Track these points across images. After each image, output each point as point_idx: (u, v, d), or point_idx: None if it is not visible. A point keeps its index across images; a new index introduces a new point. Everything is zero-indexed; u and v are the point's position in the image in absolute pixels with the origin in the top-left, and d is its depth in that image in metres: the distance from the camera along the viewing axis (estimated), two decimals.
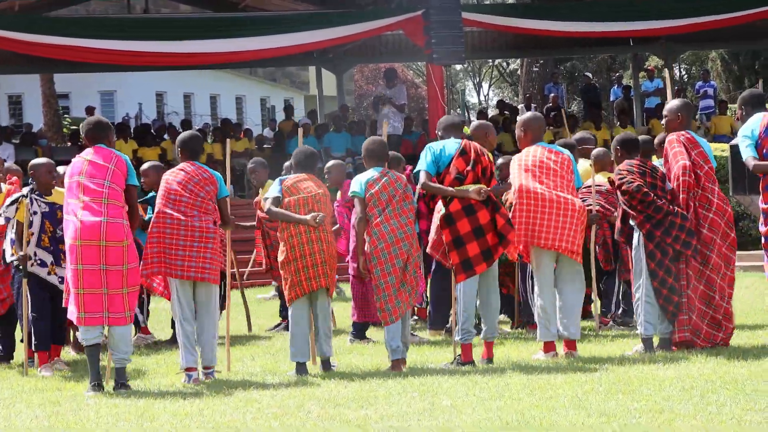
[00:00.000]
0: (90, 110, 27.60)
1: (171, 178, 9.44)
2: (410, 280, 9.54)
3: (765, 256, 10.05)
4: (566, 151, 10.09)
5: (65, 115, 35.23)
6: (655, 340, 9.88)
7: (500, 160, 12.42)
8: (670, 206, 9.71)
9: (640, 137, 10.71)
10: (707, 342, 9.70)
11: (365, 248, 9.52)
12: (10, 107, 39.31)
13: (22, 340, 10.69)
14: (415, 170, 9.86)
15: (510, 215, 9.73)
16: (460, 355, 9.59)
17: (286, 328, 12.84)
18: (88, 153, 9.13)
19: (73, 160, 9.23)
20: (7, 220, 9.94)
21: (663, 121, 10.29)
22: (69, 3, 24.11)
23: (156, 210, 9.37)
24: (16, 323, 10.93)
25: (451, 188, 9.51)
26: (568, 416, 7.18)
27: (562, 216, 9.70)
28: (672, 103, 10.31)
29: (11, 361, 10.91)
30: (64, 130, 31.33)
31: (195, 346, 9.32)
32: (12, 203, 9.88)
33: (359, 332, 11.68)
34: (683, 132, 9.98)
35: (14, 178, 10.82)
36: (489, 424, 6.99)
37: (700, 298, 9.75)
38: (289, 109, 28.06)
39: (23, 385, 9.58)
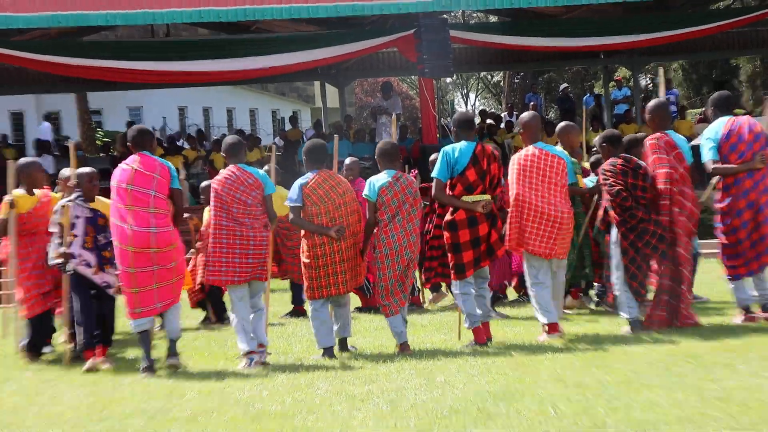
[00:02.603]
0: (130, 124, 27.62)
1: (220, 187, 9.21)
2: (410, 281, 9.50)
3: (720, 248, 10.05)
4: (562, 153, 9.88)
5: (98, 129, 35.25)
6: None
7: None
8: (646, 213, 9.59)
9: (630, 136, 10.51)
10: (682, 323, 9.64)
11: (373, 251, 9.43)
12: (50, 123, 39.30)
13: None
14: (432, 174, 9.60)
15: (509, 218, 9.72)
16: (473, 339, 9.52)
17: (298, 315, 12.91)
18: (134, 161, 9.05)
19: (120, 166, 9.15)
20: (57, 226, 9.66)
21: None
22: (99, 29, 24.06)
23: (213, 221, 9.21)
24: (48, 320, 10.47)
25: (460, 201, 9.34)
26: (548, 388, 7.23)
27: (550, 227, 9.60)
28: (648, 105, 10.16)
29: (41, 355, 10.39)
30: (97, 142, 31.35)
31: (251, 333, 9.17)
32: (58, 209, 9.67)
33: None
34: (661, 134, 9.78)
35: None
36: (478, 397, 7.04)
37: (671, 292, 9.69)
38: (293, 119, 28.00)
39: (67, 368, 9.61)
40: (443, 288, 13.34)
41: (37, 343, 10.28)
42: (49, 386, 8.66)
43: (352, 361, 9.03)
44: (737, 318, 9.97)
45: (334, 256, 9.27)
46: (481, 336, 9.47)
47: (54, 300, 10.29)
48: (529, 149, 9.81)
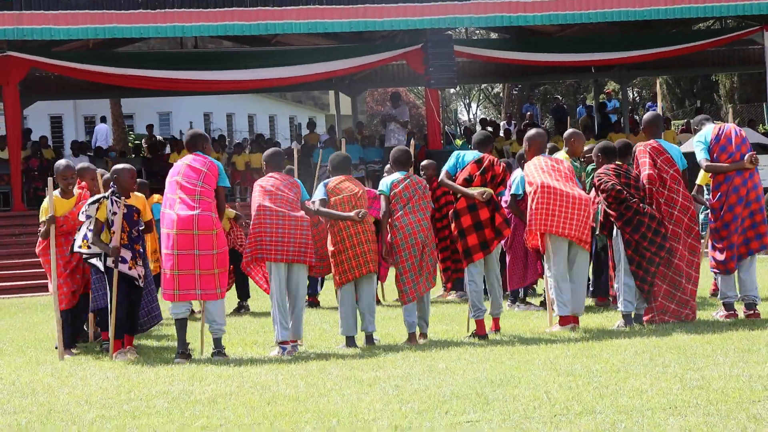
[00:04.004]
0: (149, 128, 27.62)
1: (264, 183, 9.13)
2: (427, 267, 9.32)
3: (709, 244, 9.98)
4: (567, 162, 9.86)
5: (130, 132, 35.25)
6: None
7: (424, 162, 12.71)
8: (640, 205, 9.49)
9: (619, 141, 10.30)
10: (674, 317, 9.53)
11: (387, 238, 9.35)
12: (86, 126, 39.32)
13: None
14: (443, 168, 9.69)
15: (529, 210, 9.53)
16: (475, 330, 9.39)
17: (310, 305, 12.81)
18: (188, 158, 8.99)
19: (175, 163, 9.09)
20: (88, 218, 9.34)
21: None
22: (133, 41, 24.08)
23: (257, 205, 9.00)
24: (82, 313, 10.11)
25: (460, 187, 9.42)
26: (542, 375, 7.19)
27: (574, 209, 9.43)
28: (644, 117, 10.24)
29: (76, 346, 9.97)
30: (129, 144, 31.35)
31: (288, 322, 8.96)
32: (93, 203, 9.28)
33: (515, 297, 11.75)
34: (651, 141, 9.81)
35: (83, 183, 10.29)
36: (477, 383, 6.99)
37: (669, 282, 9.56)
38: (311, 125, 27.93)
39: (96, 354, 9.55)
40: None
41: (69, 337, 9.78)
42: (80, 369, 8.60)
43: (360, 348, 8.96)
44: (719, 313, 9.86)
45: (359, 237, 9.16)
46: (483, 328, 9.35)
47: (81, 297, 9.89)
48: (539, 157, 9.75)
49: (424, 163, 12.91)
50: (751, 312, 9.68)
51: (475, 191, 9.38)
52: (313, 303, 12.88)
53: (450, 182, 9.55)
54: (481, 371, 7.46)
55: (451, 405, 6.35)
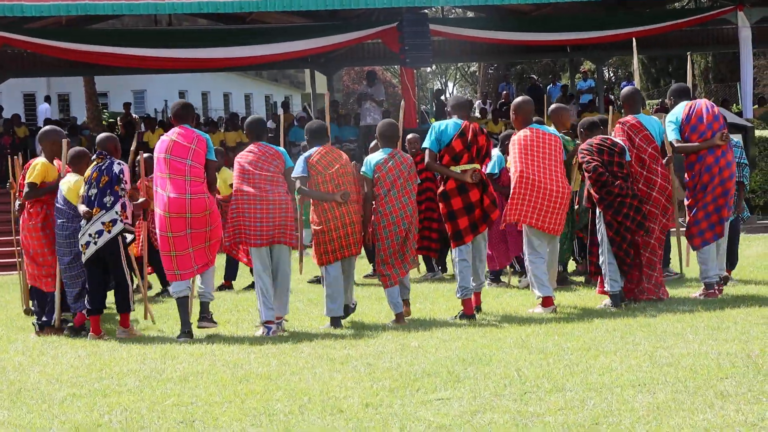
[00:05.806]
0: (126, 105, 27.45)
1: (243, 160, 9.02)
2: (410, 252, 9.28)
3: (687, 220, 10.00)
4: (554, 132, 9.70)
5: (104, 110, 35.03)
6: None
7: (409, 136, 12.48)
8: (623, 186, 9.43)
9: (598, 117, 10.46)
10: (650, 296, 9.55)
11: (369, 227, 9.22)
12: (60, 104, 39.03)
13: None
14: (422, 146, 9.46)
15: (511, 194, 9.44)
16: (462, 310, 9.30)
17: (221, 288, 12.52)
18: (173, 133, 8.87)
19: (161, 137, 8.95)
20: (123, 190, 9.06)
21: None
22: (106, 18, 23.88)
23: (234, 188, 9.00)
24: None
25: (450, 170, 9.14)
26: (513, 353, 7.21)
27: (552, 202, 9.36)
28: (622, 92, 10.23)
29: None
30: (103, 122, 31.14)
31: (272, 302, 8.91)
32: (123, 172, 9.06)
33: (496, 277, 11.80)
34: (629, 118, 9.81)
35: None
36: (449, 361, 7.01)
37: (646, 263, 9.61)
38: (285, 105, 27.79)
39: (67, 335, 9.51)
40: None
41: (50, 320, 9.47)
42: (51, 348, 8.57)
43: (333, 327, 8.97)
44: (699, 292, 9.87)
45: (344, 218, 9.08)
46: (470, 308, 9.24)
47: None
48: (524, 131, 9.55)
49: (409, 137, 12.75)
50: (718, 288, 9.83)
51: (466, 174, 9.11)
52: (226, 287, 12.78)
53: (438, 166, 9.21)
54: (453, 349, 7.48)
55: (422, 383, 6.36)
